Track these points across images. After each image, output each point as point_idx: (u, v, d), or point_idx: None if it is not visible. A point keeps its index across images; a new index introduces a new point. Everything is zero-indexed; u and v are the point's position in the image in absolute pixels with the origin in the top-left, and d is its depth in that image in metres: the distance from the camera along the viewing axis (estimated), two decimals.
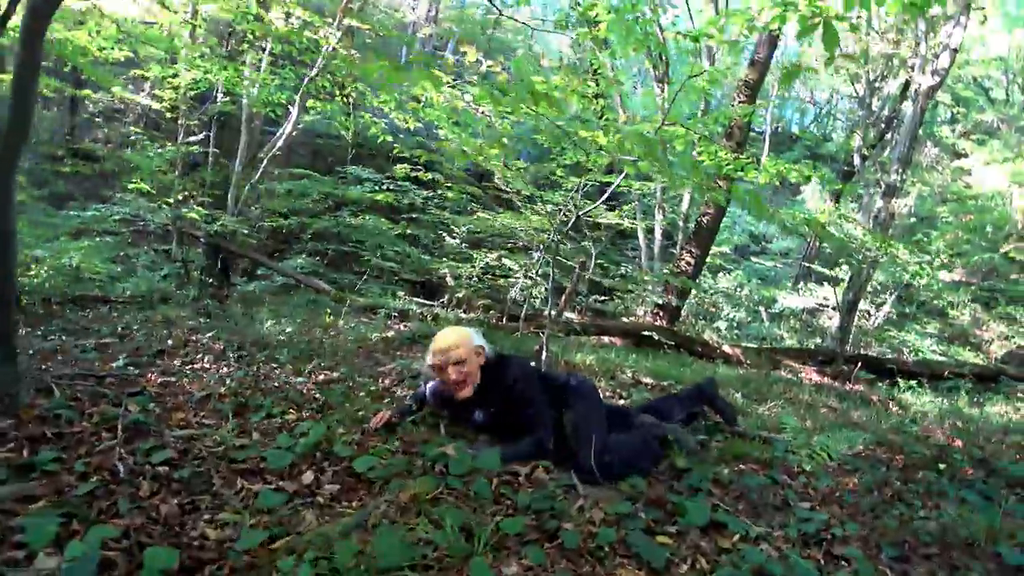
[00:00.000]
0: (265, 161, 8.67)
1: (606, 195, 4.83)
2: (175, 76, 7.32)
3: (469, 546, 1.37)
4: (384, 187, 6.11)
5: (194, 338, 4.21)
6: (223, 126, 8.68)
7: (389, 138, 5.97)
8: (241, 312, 5.74)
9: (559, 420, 2.34)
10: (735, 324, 10.85)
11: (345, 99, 6.53)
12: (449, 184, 8.49)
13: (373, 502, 1.68)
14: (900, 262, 5.60)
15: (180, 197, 7.91)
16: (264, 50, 7.10)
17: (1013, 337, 13.58)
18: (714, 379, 3.31)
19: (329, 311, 6.12)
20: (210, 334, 4.37)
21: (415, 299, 7.65)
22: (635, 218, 10.96)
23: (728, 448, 2.51)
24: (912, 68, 12.83)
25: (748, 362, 6.44)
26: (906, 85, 14.24)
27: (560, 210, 6.37)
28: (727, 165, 4.09)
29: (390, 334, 5.01)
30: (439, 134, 5.16)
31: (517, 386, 2.33)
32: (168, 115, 10.26)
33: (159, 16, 6.32)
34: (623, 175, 4.76)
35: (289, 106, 7.45)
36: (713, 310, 11.87)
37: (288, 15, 6.35)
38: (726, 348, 6.86)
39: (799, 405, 4.20)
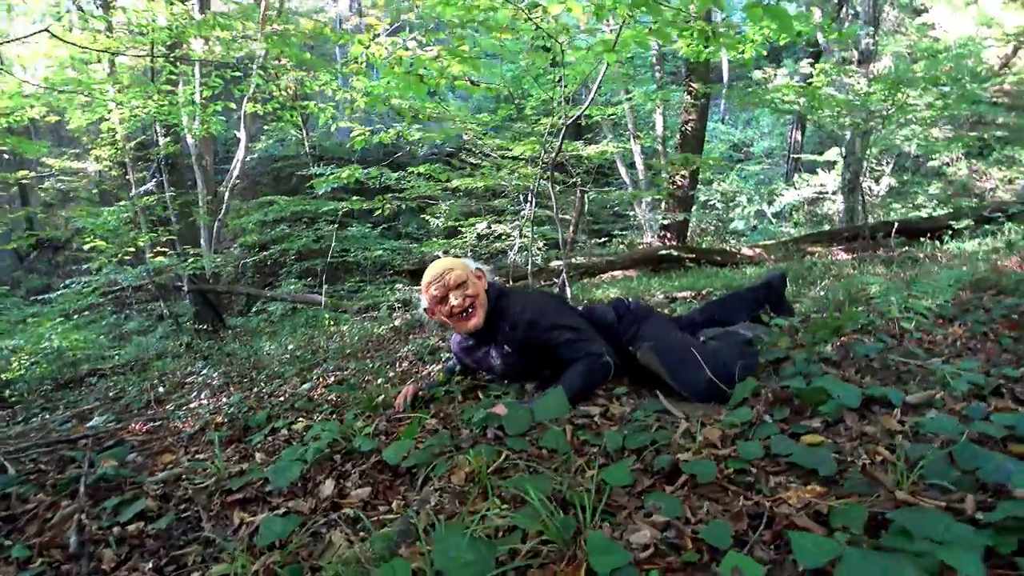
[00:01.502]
0: (227, 193, 8.20)
1: (584, 107, 4.34)
2: (102, 120, 6.75)
3: (569, 518, 0.94)
4: (351, 177, 5.63)
5: (189, 380, 3.84)
6: (173, 169, 8.15)
7: (343, 124, 5.46)
8: (239, 346, 5.39)
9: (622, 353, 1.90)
10: (745, 227, 10.46)
11: (284, 92, 5.99)
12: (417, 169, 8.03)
13: (419, 496, 1.26)
14: (910, 108, 5.12)
15: (149, 252, 7.47)
16: (194, 76, 6.53)
17: (1017, 178, 13.27)
18: (784, 274, 2.82)
19: (329, 319, 5.75)
20: (205, 371, 3.97)
21: (415, 288, 7.25)
22: (610, 151, 10.53)
23: (817, 326, 2.08)
24: None
25: (773, 257, 6.03)
26: None
27: (542, 151, 5.90)
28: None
29: (397, 323, 4.62)
30: (393, 103, 4.69)
31: (525, 316, 1.90)
32: (114, 173, 9.72)
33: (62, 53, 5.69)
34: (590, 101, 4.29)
35: (236, 132, 6.99)
36: (719, 224, 11.47)
37: (207, 40, 5.79)
38: (746, 251, 6.45)
39: (845, 280, 3.80)
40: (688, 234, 8.25)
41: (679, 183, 7.34)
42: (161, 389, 3.60)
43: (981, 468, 0.94)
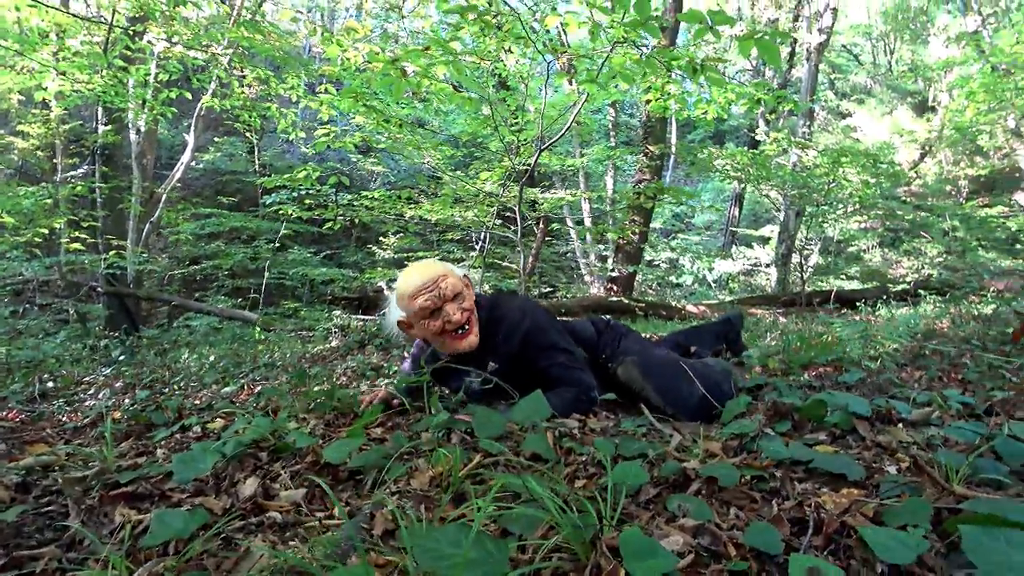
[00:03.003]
0: (164, 196, 7.66)
1: (542, 151, 4.34)
2: (39, 88, 6.15)
3: (589, 515, 0.74)
4: (298, 201, 5.33)
5: (88, 379, 3.35)
6: (108, 161, 7.54)
7: (302, 134, 5.22)
8: (154, 355, 4.86)
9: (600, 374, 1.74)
10: (689, 286, 10.81)
11: (247, 90, 5.69)
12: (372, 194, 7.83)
13: (370, 501, 1.03)
14: (848, 184, 5.51)
15: (67, 241, 6.79)
16: (152, 57, 6.09)
17: (922, 268, 14.56)
18: (742, 313, 2.79)
19: (259, 334, 5.31)
20: (108, 371, 3.50)
21: (354, 316, 6.89)
22: (565, 199, 10.77)
23: (791, 358, 2.02)
24: (798, 32, 13.61)
25: (716, 316, 6.14)
26: (792, 52, 15.15)
27: (502, 188, 5.88)
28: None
29: (333, 343, 4.29)
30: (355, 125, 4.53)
31: (524, 325, 1.66)
32: (41, 154, 8.91)
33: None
34: (548, 144, 4.33)
35: (184, 135, 6.57)
36: (656, 288, 11.81)
37: (172, 19, 5.47)
38: (690, 307, 6.57)
39: (795, 332, 3.86)
40: (634, 287, 8.37)
41: (630, 238, 7.49)
42: (51, 384, 3.10)
43: None
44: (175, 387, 2.95)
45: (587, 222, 11.07)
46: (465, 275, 1.74)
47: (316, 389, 2.23)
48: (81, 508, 1.02)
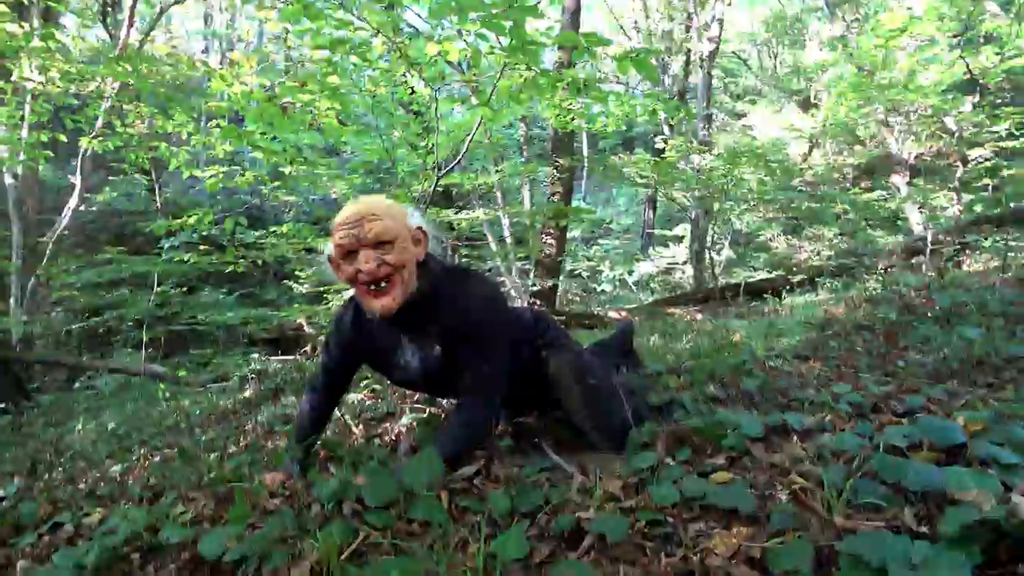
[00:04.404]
0: (51, 245, 6.98)
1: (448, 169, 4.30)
2: None
3: None
4: (203, 234, 4.98)
5: None
6: None
7: (197, 172, 4.89)
8: (43, 426, 4.40)
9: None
10: (610, 292, 11.10)
11: (131, 129, 5.28)
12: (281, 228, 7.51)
13: None
14: (745, 183, 5.85)
15: None
16: (24, 99, 5.52)
17: (823, 251, 15.70)
18: (632, 323, 2.78)
19: (165, 391, 4.92)
20: None
21: (273, 357, 6.53)
22: (481, 218, 10.80)
23: (696, 370, 2.06)
24: (690, 41, 14.48)
25: (638, 319, 6.32)
26: (687, 60, 16.08)
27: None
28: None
29: (247, 394, 4.03)
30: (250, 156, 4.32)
31: (476, 316, 1.42)
32: None
33: None
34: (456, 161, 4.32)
35: (70, 177, 6.02)
36: (582, 295, 12.04)
37: (45, 70, 5.00)
38: (612, 313, 6.73)
39: (707, 334, 4.01)
40: (557, 300, 8.47)
41: (548, 251, 7.59)
42: None
43: (904, 478, 0.87)
44: (60, 468, 2.66)
45: (508, 237, 11.15)
46: (419, 227, 1.45)
47: (210, 458, 2.06)
48: None
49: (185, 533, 1.18)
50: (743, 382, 1.77)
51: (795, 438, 1.21)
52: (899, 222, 13.80)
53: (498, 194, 11.51)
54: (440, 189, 6.06)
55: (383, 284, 1.36)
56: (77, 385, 7.91)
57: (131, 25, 6.10)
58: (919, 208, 10.20)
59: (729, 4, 14.04)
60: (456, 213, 8.06)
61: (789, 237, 16.99)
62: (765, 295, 5.85)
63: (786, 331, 2.53)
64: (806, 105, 18.87)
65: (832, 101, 9.83)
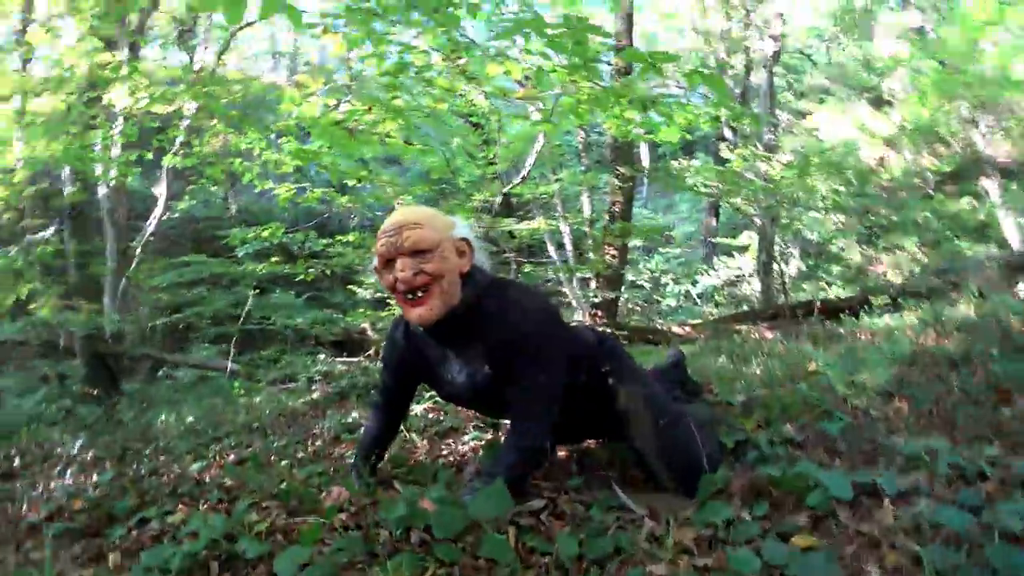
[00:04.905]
0: (139, 250, 7.58)
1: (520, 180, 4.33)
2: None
3: None
4: (274, 243, 5.30)
5: (59, 451, 3.22)
6: (78, 220, 7.45)
7: (268, 185, 5.20)
8: (132, 416, 4.74)
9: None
10: (672, 308, 10.80)
11: (207, 147, 5.66)
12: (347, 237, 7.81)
13: None
14: (818, 193, 5.57)
15: (36, 307, 6.67)
16: (114, 123, 6.06)
17: (902, 263, 14.69)
18: (682, 352, 2.66)
19: (239, 389, 5.21)
20: (80, 442, 3.37)
21: (338, 359, 6.77)
22: (542, 228, 10.78)
23: (770, 405, 1.96)
24: (750, 40, 13.92)
25: (703, 335, 6.11)
26: (748, 60, 15.50)
27: (472, 224, 5.86)
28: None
29: (315, 395, 4.21)
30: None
31: (522, 335, 1.35)
32: (7, 216, 8.79)
33: None
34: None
35: (154, 189, 6.55)
36: (643, 305, 11.80)
37: (133, 92, 5.46)
38: (676, 328, 6.54)
39: (779, 357, 3.83)
40: (618, 312, 8.33)
41: (609, 262, 7.48)
42: (17, 462, 2.99)
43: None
44: (146, 459, 2.85)
45: (568, 245, 11.08)
46: (462, 238, 1.40)
47: (282, 464, 2.15)
48: None
49: (261, 548, 1.22)
50: (823, 423, 1.67)
51: (887, 502, 1.12)
52: (989, 232, 12.75)
53: (557, 203, 11.50)
54: (500, 196, 6.12)
55: (419, 293, 1.34)
56: (160, 374, 8.52)
57: (205, 48, 6.52)
58: (1015, 217, 9.36)
59: None
60: (517, 222, 8.10)
61: (864, 247, 16.00)
62: (841, 315, 5.53)
63: (868, 361, 2.37)
64: (878, 102, 17.76)
65: (912, 100, 9.19)
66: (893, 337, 3.43)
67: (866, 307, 5.66)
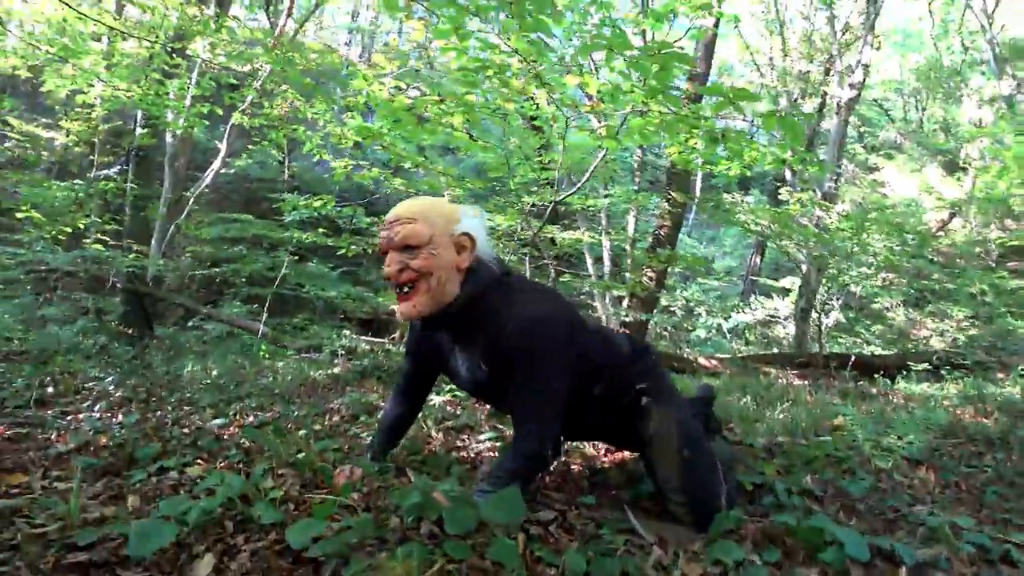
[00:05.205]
0: (192, 200, 7.84)
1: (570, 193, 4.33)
2: (79, 93, 6.38)
3: None
4: (322, 214, 5.42)
5: (89, 385, 3.36)
6: (143, 162, 7.76)
7: (327, 156, 5.32)
8: (160, 360, 4.88)
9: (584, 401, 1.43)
10: (701, 339, 10.62)
11: (277, 111, 5.83)
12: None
13: None
14: (873, 249, 5.41)
15: (90, 238, 6.97)
16: (191, 73, 6.32)
17: (947, 331, 14.10)
18: (712, 389, 2.64)
19: (265, 352, 5.33)
20: (111, 379, 3.52)
21: (363, 337, 6.88)
22: (584, 240, 10.72)
23: (792, 454, 1.93)
24: (829, 85, 13.61)
25: (729, 371, 6.00)
26: (822, 104, 15.14)
27: (519, 228, 5.89)
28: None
29: (336, 370, 4.28)
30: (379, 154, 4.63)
31: (520, 340, 1.32)
32: (79, 150, 9.23)
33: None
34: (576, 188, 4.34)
35: (218, 143, 6.77)
36: (673, 331, 11.65)
37: (214, 46, 5.68)
38: (702, 360, 6.43)
39: (805, 406, 3.74)
40: (647, 334, 8.25)
41: (646, 284, 7.41)
42: (51, 390, 3.13)
43: None
44: (168, 407, 2.95)
45: (606, 259, 11.01)
46: (463, 234, 1.38)
47: (300, 434, 2.20)
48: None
49: (276, 516, 1.26)
50: (845, 481, 1.64)
51: (903, 571, 1.09)
52: None
53: (603, 217, 11.44)
54: (547, 203, 6.12)
55: (406, 289, 1.35)
56: (191, 323, 8.79)
57: (289, 15, 6.71)
58: None
59: (878, 48, 13.06)
60: (562, 230, 8.09)
61: (910, 310, 15.42)
62: (876, 375, 5.36)
63: (898, 425, 2.30)
64: (952, 167, 17.09)
65: (990, 171, 8.84)
66: (929, 406, 3.32)
67: (904, 371, 5.48)
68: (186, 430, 2.38)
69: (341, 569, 1.05)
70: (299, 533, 1.14)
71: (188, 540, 1.18)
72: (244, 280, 9.68)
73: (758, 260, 15.92)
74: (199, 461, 1.86)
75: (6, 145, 9.70)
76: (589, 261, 11.86)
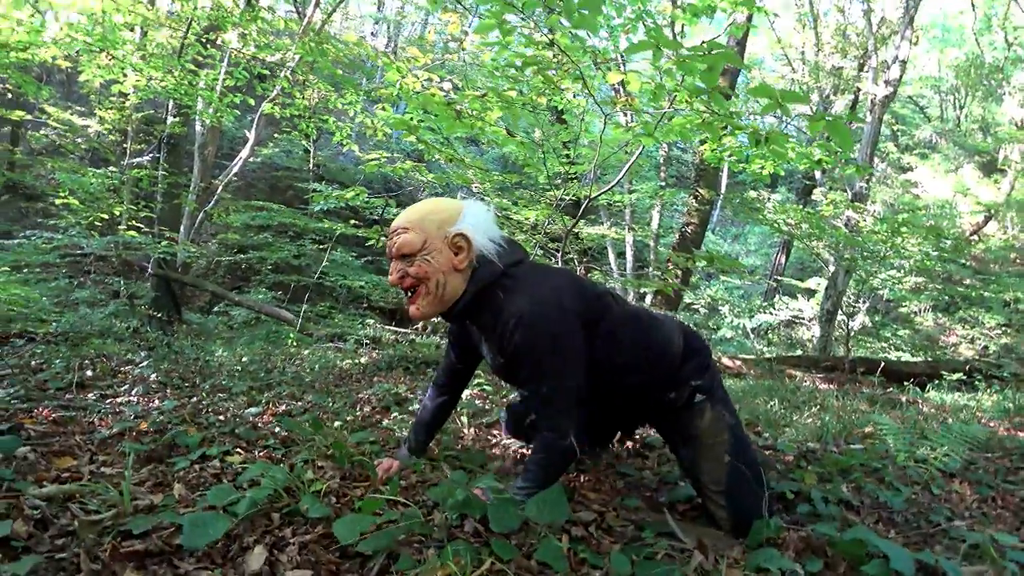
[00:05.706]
0: (220, 188, 7.98)
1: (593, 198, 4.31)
2: (114, 83, 6.52)
3: None
4: (347, 204, 5.49)
5: (125, 368, 3.45)
6: (173, 150, 7.92)
7: (355, 147, 5.37)
8: (190, 344, 4.99)
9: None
10: (726, 339, 10.52)
11: (307, 101, 5.90)
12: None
13: None
14: (907, 253, 5.28)
15: (123, 225, 7.15)
16: (222, 63, 6.42)
17: (978, 338, 13.76)
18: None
19: (293, 339, 5.42)
20: (145, 363, 3.60)
21: (387, 327, 6.96)
22: (608, 236, 10.63)
23: (826, 462, 1.91)
24: (863, 81, 13.27)
25: (753, 373, 5.94)
26: (856, 100, 14.78)
27: (545, 222, 5.89)
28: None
29: (363, 360, 4.33)
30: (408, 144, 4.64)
31: (520, 334, 1.33)
32: (112, 138, 9.45)
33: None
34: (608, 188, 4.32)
35: (246, 131, 6.87)
36: (695, 329, 11.54)
37: (244, 35, 5.73)
38: (726, 360, 6.36)
39: (834, 412, 3.69)
40: None
41: (673, 280, 7.36)
42: (89, 372, 3.21)
43: None
44: (203, 393, 3.01)
45: (628, 255, 10.94)
46: (458, 234, 1.39)
47: (335, 426, 2.23)
48: (93, 566, 1.02)
49: (324, 511, 1.28)
50: (881, 492, 1.62)
51: None
52: None
53: (627, 212, 11.37)
54: (575, 198, 6.10)
55: (410, 293, 1.42)
56: (217, 309, 8.97)
57: (317, 4, 6.75)
58: None
59: (915, 43, 12.70)
60: (587, 225, 8.06)
61: (940, 315, 15.04)
62: (905, 382, 5.26)
63: (932, 436, 2.27)
64: (989, 168, 16.56)
65: None
66: (963, 417, 3.26)
67: (935, 380, 5.36)
68: (221, 417, 2.43)
69: (390, 565, 1.08)
70: (346, 528, 1.17)
71: (237, 531, 1.22)
72: (270, 267, 9.85)
73: (783, 259, 15.67)
74: (238, 450, 1.90)
75: (44, 132, 9.96)
76: (612, 256, 11.80)
